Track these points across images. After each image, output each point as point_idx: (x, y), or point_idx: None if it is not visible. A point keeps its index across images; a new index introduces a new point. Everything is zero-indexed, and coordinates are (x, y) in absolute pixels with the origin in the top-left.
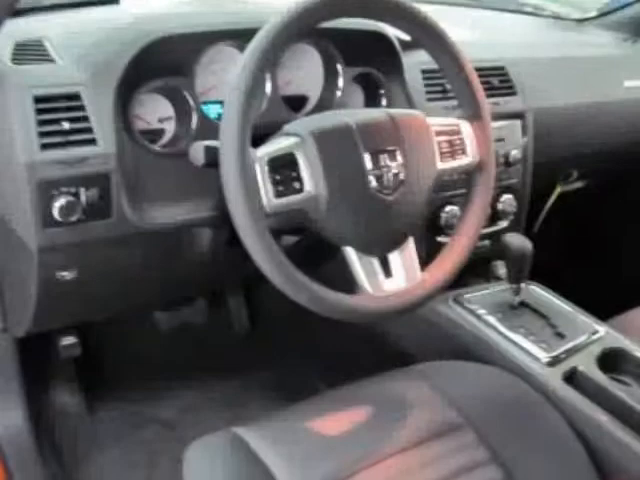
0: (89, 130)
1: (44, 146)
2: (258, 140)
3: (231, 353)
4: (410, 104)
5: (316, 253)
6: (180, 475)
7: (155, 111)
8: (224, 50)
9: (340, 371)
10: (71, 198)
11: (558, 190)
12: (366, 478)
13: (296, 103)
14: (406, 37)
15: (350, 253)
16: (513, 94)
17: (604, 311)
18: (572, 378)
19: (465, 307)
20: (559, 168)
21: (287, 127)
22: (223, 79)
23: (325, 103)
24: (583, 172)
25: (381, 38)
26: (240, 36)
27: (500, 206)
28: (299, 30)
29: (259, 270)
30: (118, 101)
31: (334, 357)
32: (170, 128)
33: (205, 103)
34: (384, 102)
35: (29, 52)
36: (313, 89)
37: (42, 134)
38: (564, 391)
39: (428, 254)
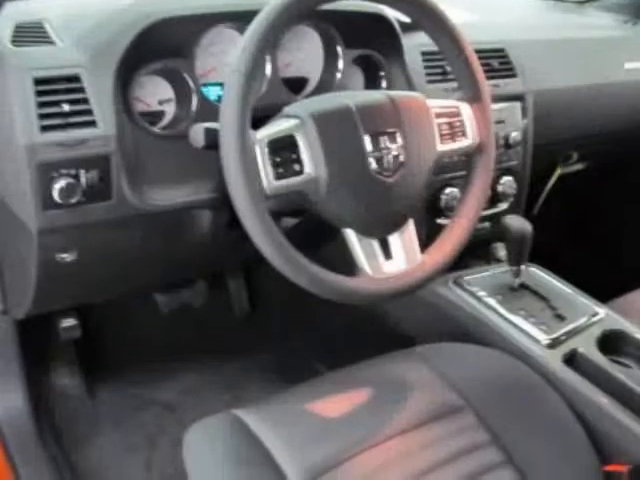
0: (89, 112)
1: (44, 128)
2: (258, 122)
3: (231, 335)
4: (410, 86)
5: (316, 235)
6: (180, 457)
7: (155, 93)
8: (224, 32)
9: (340, 353)
10: (71, 180)
11: (558, 172)
12: (366, 460)
13: (296, 85)
14: (406, 19)
15: (350, 235)
16: (513, 76)
17: (604, 293)
18: (572, 360)
19: (465, 289)
20: (559, 150)
21: (287, 109)
22: (223, 61)
23: (325, 85)
24: (583, 154)
25: (381, 20)
26: (240, 18)
27: (500, 188)
28: (299, 12)
29: (259, 252)
30: (118, 83)
31: (334, 339)
32: (170, 110)
33: (205, 85)
34: (384, 84)
35: (29, 34)
36: (313, 71)
37: (42, 116)
38: (564, 373)
39: (428, 236)
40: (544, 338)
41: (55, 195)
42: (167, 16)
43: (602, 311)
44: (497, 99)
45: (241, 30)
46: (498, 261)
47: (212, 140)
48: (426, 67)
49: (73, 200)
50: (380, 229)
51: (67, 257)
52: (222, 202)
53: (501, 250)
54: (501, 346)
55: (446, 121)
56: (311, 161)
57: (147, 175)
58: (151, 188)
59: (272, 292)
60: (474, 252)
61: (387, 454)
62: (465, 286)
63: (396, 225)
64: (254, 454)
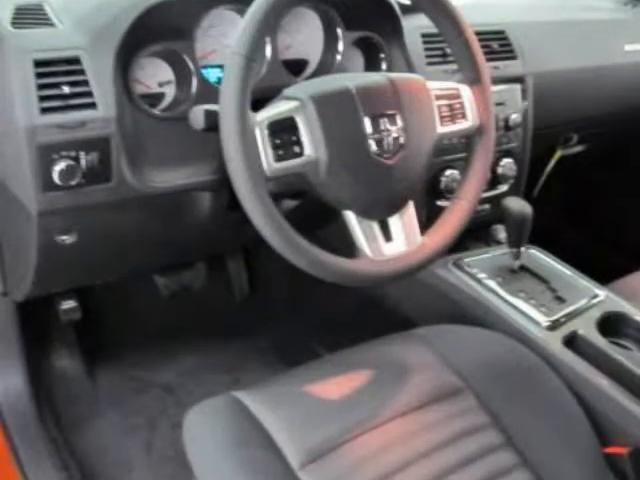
0: (89, 94)
1: (44, 110)
2: (258, 104)
3: (231, 317)
4: (410, 68)
5: (316, 217)
6: (180, 439)
7: (155, 75)
8: (224, 14)
9: (340, 335)
10: (71, 162)
11: (558, 154)
12: (366, 442)
13: (296, 67)
14: (406, 1)
15: (350, 217)
16: (513, 58)
17: (604, 275)
18: (572, 342)
19: (465, 271)
20: (559, 132)
21: (287, 91)
22: (223, 43)
23: (325, 67)
24: (583, 136)
25: (381, 2)
26: (240, 0)
27: (500, 170)
28: None
29: (259, 234)
30: (118, 65)
31: (334, 321)
32: (170, 92)
33: (205, 67)
34: (384, 66)
35: (29, 16)
36: (313, 53)
37: (42, 98)
38: (564, 355)
39: (428, 218)
40: (544, 320)
41: (55, 177)
42: None
43: (602, 293)
44: (497, 81)
45: (241, 12)
46: (498, 243)
47: (212, 122)
48: (426, 49)
49: (73, 182)
50: (380, 211)
51: (67, 239)
52: (222, 184)
53: (501, 232)
54: (501, 328)
55: (446, 103)
56: (311, 143)
57: (147, 157)
58: (151, 170)
59: (272, 274)
60: (474, 234)
61: (387, 436)
62: (465, 268)
63: (396, 207)
64: (254, 436)
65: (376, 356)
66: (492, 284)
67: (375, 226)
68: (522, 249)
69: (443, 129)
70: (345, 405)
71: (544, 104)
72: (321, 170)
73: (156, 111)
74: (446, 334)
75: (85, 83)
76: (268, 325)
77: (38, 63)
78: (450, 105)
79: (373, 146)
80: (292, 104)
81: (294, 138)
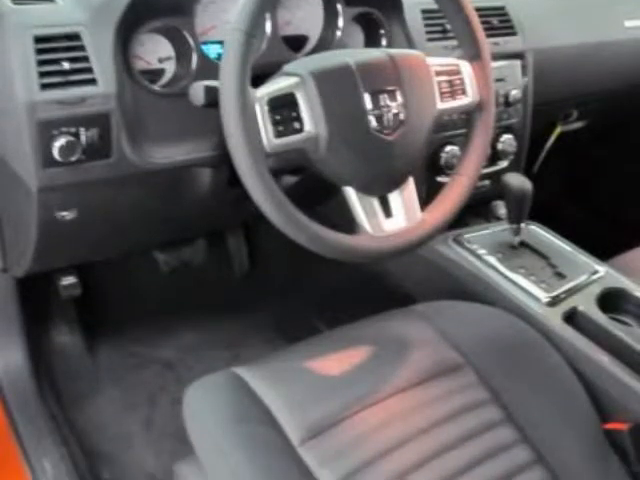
0: (89, 70)
1: (44, 86)
2: (258, 80)
3: (231, 293)
4: (410, 44)
5: (316, 193)
6: (180, 415)
7: (155, 51)
8: None
9: (340, 311)
10: (71, 138)
11: (558, 130)
12: (366, 418)
13: (296, 43)
14: None
15: (350, 193)
16: (513, 34)
17: (604, 251)
18: (572, 318)
19: (465, 247)
20: (559, 108)
21: (287, 67)
22: (223, 19)
23: (325, 43)
24: (583, 112)
25: None
26: None
27: (500, 146)
28: None
29: (259, 210)
30: (118, 41)
31: (334, 297)
32: (170, 68)
33: (205, 43)
34: (384, 42)
35: None
36: (313, 29)
37: (42, 74)
38: (564, 331)
39: (428, 194)
40: (544, 296)
41: (55, 153)
42: None
43: (602, 269)
44: (497, 57)
45: None
46: (498, 219)
47: (212, 98)
48: (426, 25)
49: (73, 158)
50: (380, 187)
51: (67, 215)
52: (222, 160)
53: (501, 208)
54: (501, 304)
55: (446, 79)
56: (311, 119)
57: (147, 133)
58: (151, 146)
59: (272, 250)
60: (474, 210)
61: (387, 412)
62: (465, 244)
63: (396, 183)
64: (254, 412)
65: (376, 332)
66: (492, 260)
67: (375, 202)
68: (522, 225)
69: (443, 105)
70: (345, 381)
71: (544, 80)
72: (321, 146)
73: (156, 87)
74: (446, 310)
75: (85, 59)
76: (268, 301)
77: (38, 39)
78: (450, 81)
79: (373, 122)
80: (292, 80)
81: (294, 114)
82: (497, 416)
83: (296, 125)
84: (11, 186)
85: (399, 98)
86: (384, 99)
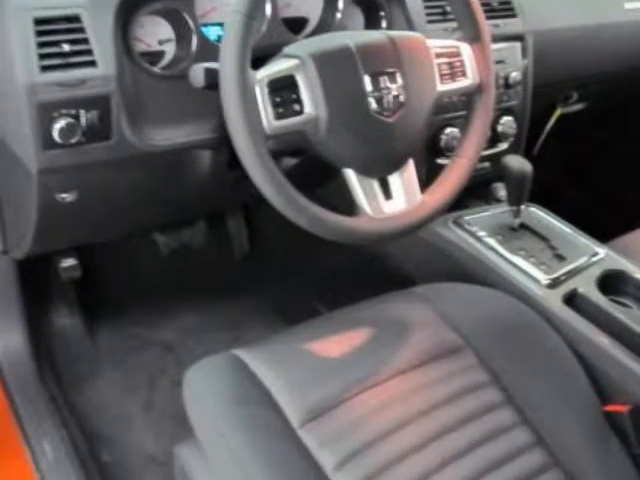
0: (89, 52)
1: (44, 68)
2: (258, 62)
3: (231, 275)
4: (410, 26)
5: (316, 175)
6: (180, 397)
7: (155, 33)
8: None
9: (340, 293)
10: (71, 120)
11: (558, 112)
12: (366, 400)
13: (296, 25)
14: None
15: (350, 175)
16: (513, 16)
17: (604, 233)
18: (572, 300)
19: (465, 229)
20: (559, 90)
21: (287, 49)
22: (223, 1)
23: (325, 25)
24: (583, 94)
25: None
26: None
27: (500, 128)
28: None
29: (259, 192)
30: (118, 23)
31: (334, 279)
32: (170, 50)
33: (205, 25)
34: (384, 24)
35: None
36: (313, 11)
37: (42, 56)
38: (564, 313)
39: (428, 176)
40: (544, 278)
41: (55, 135)
42: None
43: (602, 251)
44: (497, 39)
45: None
46: (498, 201)
47: (212, 80)
48: (426, 7)
49: (73, 140)
50: (380, 169)
51: (67, 197)
52: (222, 142)
53: (501, 190)
54: (501, 286)
55: (446, 61)
56: (311, 101)
57: (147, 115)
58: (151, 128)
59: (272, 232)
60: (474, 192)
61: (387, 394)
62: (465, 226)
63: (396, 165)
64: (254, 394)
65: (376, 314)
66: (492, 242)
67: (375, 184)
68: (522, 207)
69: (443, 87)
70: (345, 363)
71: (544, 62)
72: (321, 128)
73: (156, 69)
74: (446, 292)
75: (85, 41)
76: (268, 283)
77: (38, 21)
78: (450, 63)
79: (373, 104)
80: (292, 62)
81: (294, 96)
82: (497, 398)
83: (296, 107)
84: (11, 168)
85: (399, 80)
86: (384, 81)
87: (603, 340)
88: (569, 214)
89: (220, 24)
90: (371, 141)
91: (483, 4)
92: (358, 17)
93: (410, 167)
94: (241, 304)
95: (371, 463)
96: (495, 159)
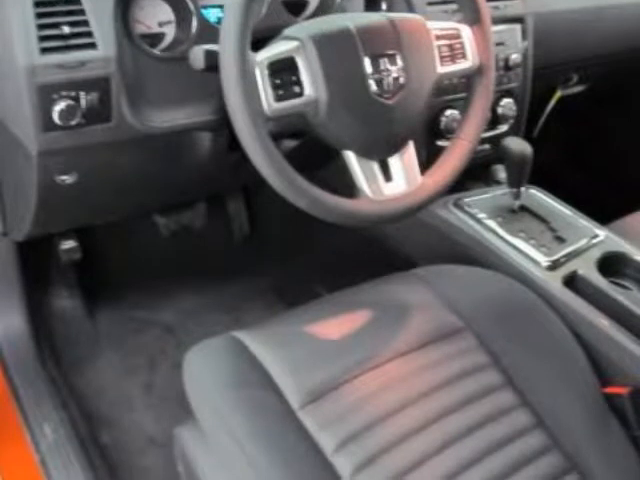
0: (89, 34)
1: (44, 50)
2: (258, 44)
3: (231, 257)
4: (410, 8)
5: (316, 157)
6: (180, 379)
7: (155, 15)
8: None
9: (340, 275)
10: (71, 102)
11: (558, 94)
12: (366, 382)
13: (296, 7)
14: None
15: (350, 157)
16: None
17: (604, 215)
18: (572, 282)
19: (465, 211)
20: (559, 72)
21: (287, 31)
22: None
23: (325, 7)
24: (583, 76)
25: None
26: None
27: (500, 110)
28: None
29: (259, 174)
30: (118, 5)
31: (334, 261)
32: (170, 32)
33: (205, 7)
34: (384, 6)
35: None
36: None
37: (42, 38)
38: (564, 295)
39: (428, 158)
40: (544, 260)
41: (55, 117)
42: None
43: (602, 233)
44: (497, 21)
45: None
46: (498, 183)
47: (212, 62)
48: None
49: (73, 122)
50: (380, 151)
51: (67, 179)
52: (222, 124)
53: (501, 172)
54: (501, 268)
55: (446, 43)
56: (311, 83)
57: (147, 97)
58: (151, 110)
59: (272, 214)
60: (474, 174)
61: (387, 376)
62: (465, 208)
63: (396, 147)
64: (254, 376)
65: (376, 296)
66: (492, 224)
67: (375, 166)
68: (522, 189)
69: (443, 69)
70: (345, 345)
71: (544, 44)
72: (321, 110)
73: (156, 51)
74: (446, 274)
75: (85, 23)
76: (268, 265)
77: (38, 3)
78: (450, 45)
79: (373, 86)
80: (292, 44)
81: (294, 78)
82: (497, 380)
83: (296, 89)
84: (11, 150)
85: (399, 62)
86: (384, 63)
87: (603, 322)
88: (569, 196)
89: (220, 6)
90: (371, 123)
91: None
92: None
93: (410, 149)
94: (241, 286)
95: (371, 445)
96: (495, 141)
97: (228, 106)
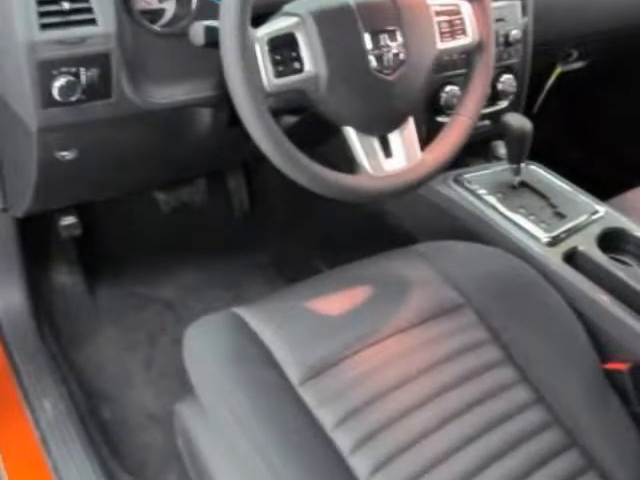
0: (89, 10)
1: (44, 26)
2: (258, 20)
3: (231, 233)
4: None
5: (316, 133)
6: (180, 355)
7: None
8: None
9: (340, 251)
10: (71, 78)
11: (558, 70)
12: (366, 358)
13: None
14: None
15: (350, 133)
16: None
17: (604, 191)
18: (572, 258)
19: (465, 187)
20: (559, 48)
21: (287, 7)
22: None
23: None
24: (583, 52)
25: None
26: None
27: (500, 86)
28: None
29: (259, 150)
30: None
31: (334, 237)
32: (170, 8)
33: None
34: None
35: None
36: None
37: (42, 14)
38: (564, 271)
39: (428, 134)
40: (544, 236)
41: (55, 93)
42: None
43: (602, 209)
44: None
45: None
46: (498, 159)
47: (212, 38)
48: None
49: (73, 98)
50: (380, 127)
51: (67, 155)
52: (222, 100)
53: (501, 148)
54: (501, 244)
55: (446, 19)
56: (311, 59)
57: (147, 73)
58: (151, 86)
59: (272, 190)
60: (474, 150)
61: (387, 352)
62: (465, 184)
63: (396, 123)
64: (254, 352)
65: (376, 272)
66: (492, 200)
67: (375, 142)
68: (522, 165)
69: (443, 45)
70: (345, 321)
71: (544, 20)
72: (321, 86)
73: (156, 27)
74: (446, 250)
75: None
76: (268, 241)
77: None
78: (450, 21)
79: (373, 62)
80: (292, 20)
81: (294, 54)
82: (497, 356)
83: (296, 65)
84: (11, 126)
85: (399, 38)
86: (384, 39)
87: (603, 298)
88: (569, 172)
89: None
90: (371, 99)
91: None
92: None
93: (410, 125)
94: (241, 262)
95: (370, 421)
96: (495, 117)
97: (228, 82)
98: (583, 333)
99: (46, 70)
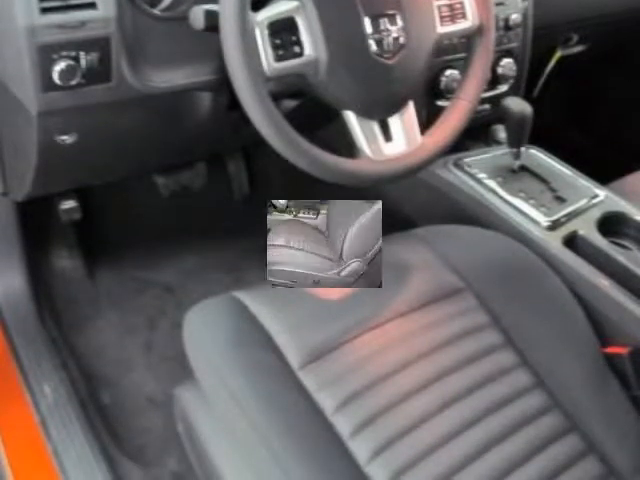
0: None
1: (44, 10)
2: (258, 4)
3: (231, 217)
4: None
5: (316, 117)
6: (180, 339)
7: None
8: None
9: None
10: (71, 62)
11: (558, 54)
12: (366, 342)
13: None
14: None
15: (350, 117)
16: None
17: (604, 175)
18: (572, 242)
19: (465, 171)
20: (559, 32)
21: None
22: None
23: None
24: (583, 36)
25: None
26: None
27: (500, 70)
28: None
29: (259, 134)
30: None
31: None
32: None
33: None
34: None
35: None
36: None
37: None
38: (564, 255)
39: (428, 118)
40: (544, 220)
41: (55, 77)
42: None
43: (602, 193)
44: None
45: None
46: (498, 143)
47: (212, 22)
48: None
49: (73, 82)
50: (380, 111)
51: (67, 139)
52: (222, 84)
53: (501, 132)
54: (501, 228)
55: (446, 3)
56: (311, 43)
57: (147, 57)
58: (151, 70)
59: (272, 174)
60: (474, 134)
61: (387, 336)
62: (465, 168)
63: (396, 107)
64: (254, 336)
65: None
66: (492, 184)
67: (375, 126)
68: (522, 149)
69: (443, 29)
70: (345, 305)
71: (544, 4)
72: (321, 70)
73: (156, 11)
74: (446, 234)
75: None
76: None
77: None
78: (450, 5)
79: (373, 46)
80: (292, 4)
81: (294, 38)
82: (497, 340)
83: (296, 49)
84: (11, 110)
85: (399, 22)
86: (384, 23)
87: (603, 282)
88: (569, 156)
89: None
90: (371, 83)
91: None
92: None
93: (410, 109)
94: (241, 246)
95: (371, 405)
96: (495, 101)
97: (228, 66)
98: (583, 317)
99: (46, 54)
